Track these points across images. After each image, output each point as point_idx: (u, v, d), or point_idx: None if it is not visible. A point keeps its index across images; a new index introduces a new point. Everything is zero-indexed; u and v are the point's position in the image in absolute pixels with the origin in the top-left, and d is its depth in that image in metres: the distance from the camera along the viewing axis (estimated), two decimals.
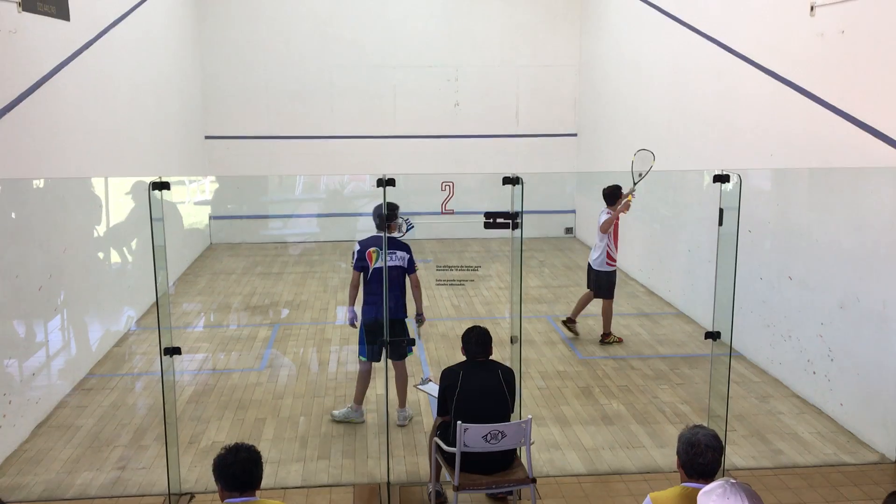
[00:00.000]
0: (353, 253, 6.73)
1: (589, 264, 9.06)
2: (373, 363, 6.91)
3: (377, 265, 6.65)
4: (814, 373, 7.27)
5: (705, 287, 8.71)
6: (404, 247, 6.77)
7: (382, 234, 6.59)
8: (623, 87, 12.77)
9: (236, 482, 3.71)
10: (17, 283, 6.75)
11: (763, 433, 6.75)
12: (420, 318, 6.90)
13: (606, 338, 9.00)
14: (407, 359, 6.96)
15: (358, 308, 6.95)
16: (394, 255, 6.66)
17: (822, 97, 7.15)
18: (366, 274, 6.72)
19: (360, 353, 6.88)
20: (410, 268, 6.77)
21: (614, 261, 8.89)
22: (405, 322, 6.85)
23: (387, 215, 6.14)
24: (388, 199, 5.78)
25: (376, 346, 6.72)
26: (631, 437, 6.69)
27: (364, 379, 6.93)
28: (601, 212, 8.80)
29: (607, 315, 9.00)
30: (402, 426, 6.87)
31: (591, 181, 15.62)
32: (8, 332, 6.78)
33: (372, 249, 6.67)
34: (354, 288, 6.87)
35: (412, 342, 6.83)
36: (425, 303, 7.34)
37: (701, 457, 3.60)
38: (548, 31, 15.21)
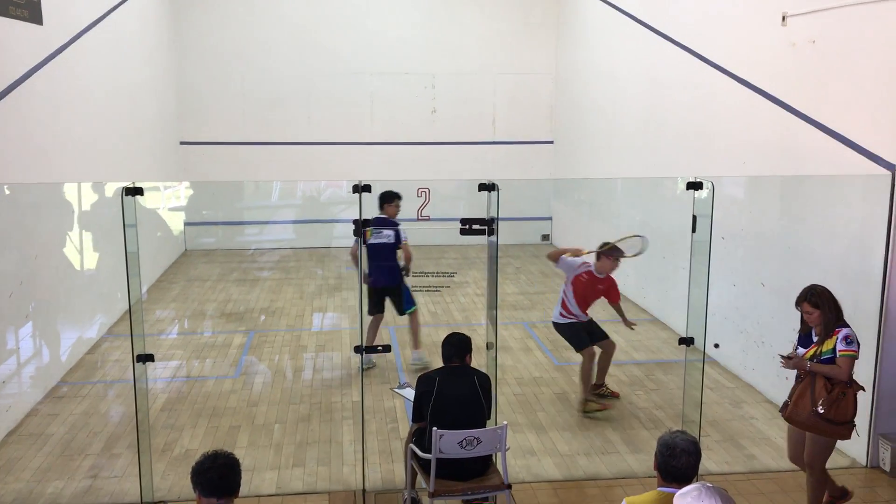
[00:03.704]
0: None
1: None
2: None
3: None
4: (786, 378, 7.31)
5: (679, 293, 8.75)
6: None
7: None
8: (599, 95, 12.85)
9: (214, 488, 3.68)
10: None
11: (736, 438, 6.81)
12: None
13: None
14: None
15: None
16: (381, 233, 7.99)
17: (794, 106, 7.23)
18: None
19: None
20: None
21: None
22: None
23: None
24: (363, 206, 5.76)
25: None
26: (606, 442, 6.72)
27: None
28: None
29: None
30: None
31: (567, 188, 15.71)
32: None
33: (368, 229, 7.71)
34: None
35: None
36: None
37: (675, 459, 3.62)
38: (525, 39, 15.29)
